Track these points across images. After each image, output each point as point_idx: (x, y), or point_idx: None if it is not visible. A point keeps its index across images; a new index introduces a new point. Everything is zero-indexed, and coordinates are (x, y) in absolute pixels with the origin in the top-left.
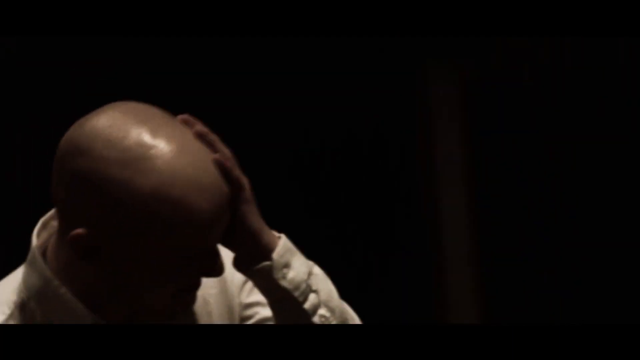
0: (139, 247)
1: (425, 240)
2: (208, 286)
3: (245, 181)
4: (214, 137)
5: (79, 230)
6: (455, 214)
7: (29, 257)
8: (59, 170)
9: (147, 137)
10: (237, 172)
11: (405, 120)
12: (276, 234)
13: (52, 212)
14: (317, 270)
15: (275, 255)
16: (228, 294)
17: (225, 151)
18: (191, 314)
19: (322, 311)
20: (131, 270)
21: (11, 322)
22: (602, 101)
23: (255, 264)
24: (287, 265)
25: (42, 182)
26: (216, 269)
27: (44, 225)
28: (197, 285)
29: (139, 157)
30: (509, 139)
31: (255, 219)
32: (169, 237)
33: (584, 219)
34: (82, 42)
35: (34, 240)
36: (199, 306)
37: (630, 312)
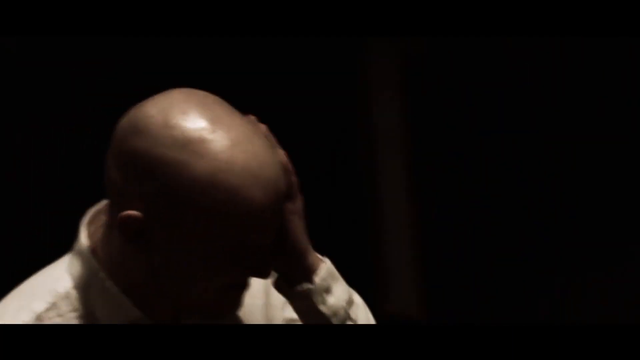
0: (189, 233)
1: (366, 223)
2: (254, 296)
3: (299, 193)
4: (275, 141)
5: (130, 212)
6: (396, 200)
7: (75, 247)
8: (114, 150)
9: (207, 122)
10: (295, 178)
11: (345, 100)
12: (320, 257)
13: (100, 204)
14: (357, 299)
15: (317, 278)
16: (272, 306)
17: (285, 156)
18: (236, 321)
19: None
20: (179, 260)
21: (52, 312)
22: (542, 80)
23: (296, 285)
24: (327, 290)
25: (42, 182)
26: (264, 270)
27: (93, 217)
28: (244, 285)
29: (198, 140)
30: (450, 122)
31: (302, 237)
32: (220, 225)
33: (530, 203)
34: (82, 42)
35: (82, 231)
36: (244, 314)
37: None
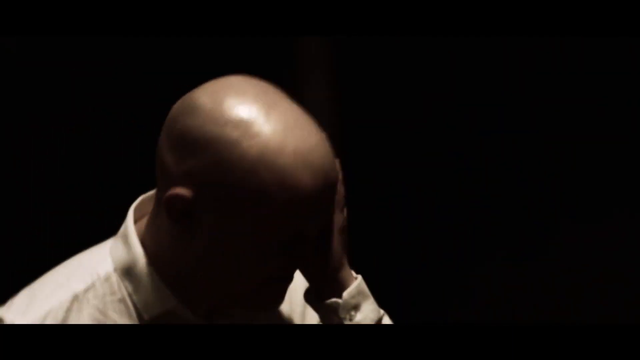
0: (235, 214)
1: None
2: (295, 304)
3: (345, 208)
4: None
5: (178, 190)
6: None
7: (121, 230)
8: (167, 131)
9: (263, 105)
10: (343, 190)
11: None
12: (354, 274)
13: (150, 192)
14: (387, 320)
15: (346, 294)
16: (307, 317)
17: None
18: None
19: None
20: (222, 244)
21: (90, 293)
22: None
23: (325, 298)
24: (356, 307)
25: (42, 182)
26: (309, 263)
27: (141, 204)
28: (289, 278)
29: (251, 120)
30: (380, 114)
31: (339, 251)
32: (265, 207)
33: (457, 190)
34: (82, 42)
35: (129, 215)
36: (282, 320)
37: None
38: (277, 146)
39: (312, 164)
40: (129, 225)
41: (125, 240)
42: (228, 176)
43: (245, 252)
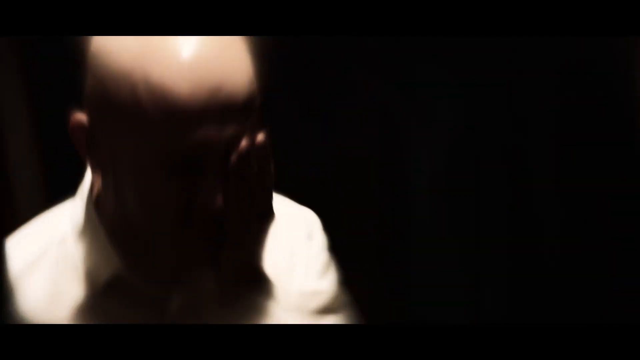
0: (120, 129)
1: None
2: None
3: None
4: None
5: (76, 115)
6: None
7: (80, 190)
8: None
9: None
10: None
11: None
12: (265, 269)
13: None
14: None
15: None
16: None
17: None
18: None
19: None
20: (124, 170)
21: (45, 259)
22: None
23: (222, 303)
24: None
25: (42, 182)
26: (205, 194)
27: None
28: (201, 211)
29: (140, 38)
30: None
31: (259, 202)
32: (141, 116)
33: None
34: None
35: (88, 175)
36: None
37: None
38: (155, 43)
39: (190, 63)
40: (86, 185)
41: (82, 200)
42: (105, 84)
43: (142, 177)
